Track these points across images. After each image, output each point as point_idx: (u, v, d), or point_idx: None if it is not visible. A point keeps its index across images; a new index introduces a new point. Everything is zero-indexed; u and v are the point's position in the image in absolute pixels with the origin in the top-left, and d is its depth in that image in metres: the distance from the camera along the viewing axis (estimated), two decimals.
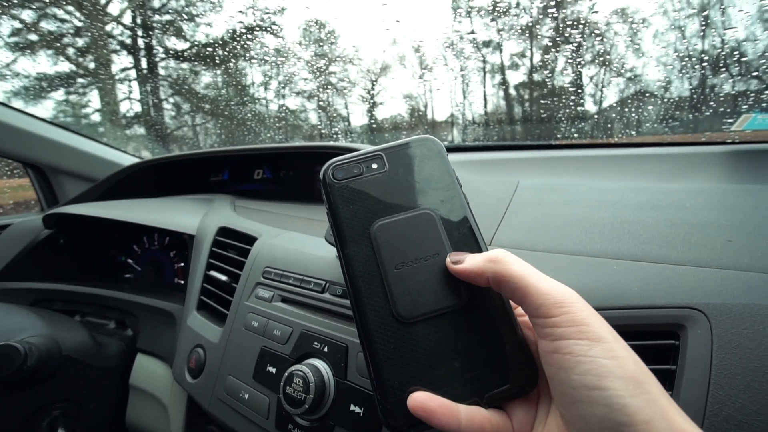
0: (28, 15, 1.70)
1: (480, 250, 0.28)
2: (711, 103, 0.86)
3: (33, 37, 1.73)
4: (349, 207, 0.29)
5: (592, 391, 0.20)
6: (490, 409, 0.25)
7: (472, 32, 1.50)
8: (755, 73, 0.79)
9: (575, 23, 1.17)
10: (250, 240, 0.60)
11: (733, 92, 0.85)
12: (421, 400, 0.23)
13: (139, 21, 2.01)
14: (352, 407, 0.38)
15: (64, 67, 1.81)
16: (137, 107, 2.03)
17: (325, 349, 0.42)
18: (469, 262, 0.26)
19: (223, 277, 0.59)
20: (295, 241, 0.56)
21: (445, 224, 0.28)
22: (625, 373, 0.20)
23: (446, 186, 0.30)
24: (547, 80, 1.37)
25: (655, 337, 0.32)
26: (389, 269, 0.27)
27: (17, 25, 1.64)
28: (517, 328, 0.26)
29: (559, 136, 1.07)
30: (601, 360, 0.20)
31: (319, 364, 0.41)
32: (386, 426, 0.25)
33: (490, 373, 0.25)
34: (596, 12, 1.14)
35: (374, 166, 0.30)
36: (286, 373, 0.40)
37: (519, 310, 0.28)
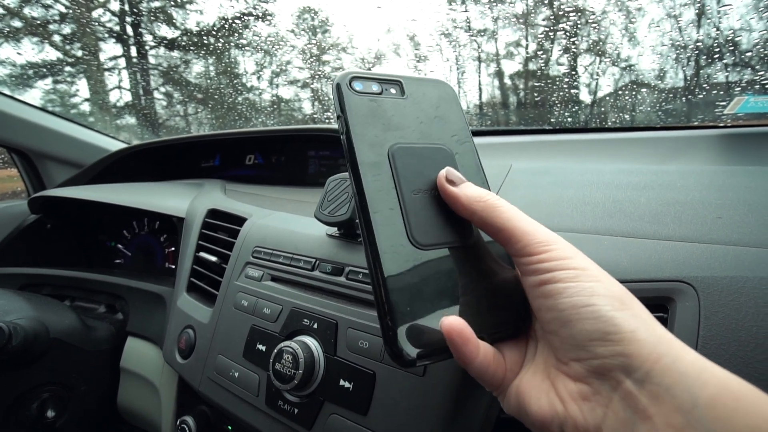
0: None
1: None
2: (705, 86, 0.86)
3: (17, 23, 1.68)
4: (367, 121, 0.27)
5: (581, 308, 0.21)
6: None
7: (467, 19, 1.48)
8: (749, 54, 0.79)
9: (569, 10, 1.16)
10: (240, 221, 0.59)
11: (727, 79, 0.85)
12: (459, 326, 0.22)
13: (127, 7, 1.96)
14: (342, 382, 0.38)
15: (51, 54, 1.77)
16: (127, 96, 1.99)
17: (315, 326, 0.42)
18: (463, 189, 0.26)
19: (213, 258, 0.58)
20: (285, 220, 0.56)
21: (459, 163, 0.29)
22: (610, 292, 0.21)
23: (460, 128, 0.30)
24: (542, 67, 1.36)
25: None
26: (407, 192, 0.26)
27: None
28: (515, 270, 0.27)
29: (552, 120, 1.07)
30: (587, 283, 0.22)
31: (309, 340, 0.41)
32: (391, 356, 0.23)
33: (493, 311, 0.25)
34: None
35: (393, 90, 0.29)
36: (275, 350, 0.40)
37: None
